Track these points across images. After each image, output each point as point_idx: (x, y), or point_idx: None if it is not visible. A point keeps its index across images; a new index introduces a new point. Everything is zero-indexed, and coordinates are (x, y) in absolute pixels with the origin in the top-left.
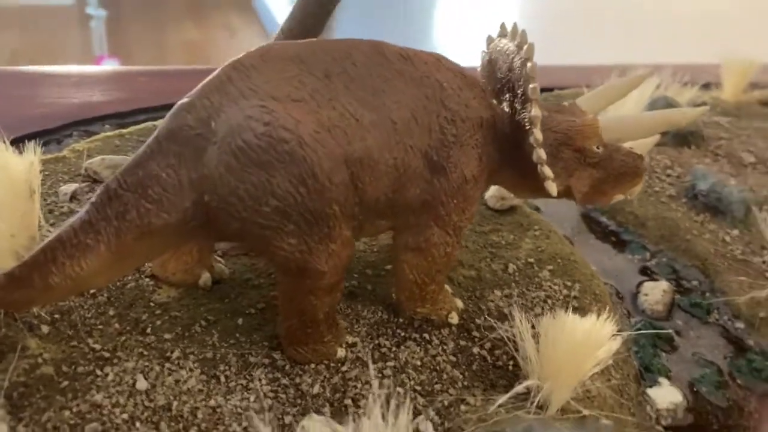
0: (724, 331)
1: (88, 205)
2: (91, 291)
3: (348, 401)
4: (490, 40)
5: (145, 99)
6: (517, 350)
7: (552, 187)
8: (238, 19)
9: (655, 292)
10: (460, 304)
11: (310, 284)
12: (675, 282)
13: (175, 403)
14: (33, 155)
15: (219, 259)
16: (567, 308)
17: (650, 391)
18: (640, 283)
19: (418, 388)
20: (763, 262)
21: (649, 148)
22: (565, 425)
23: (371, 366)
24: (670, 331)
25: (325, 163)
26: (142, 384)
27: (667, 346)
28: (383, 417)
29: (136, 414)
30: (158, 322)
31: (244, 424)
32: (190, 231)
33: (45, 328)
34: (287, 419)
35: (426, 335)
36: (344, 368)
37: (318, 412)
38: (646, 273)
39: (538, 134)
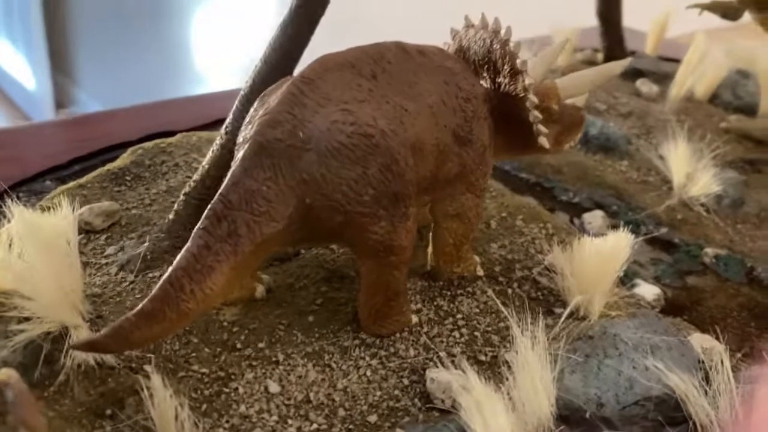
0: (654, 237)
1: (199, 231)
2: None
3: (443, 353)
4: (454, 32)
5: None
6: (538, 282)
7: (545, 141)
8: None
9: (596, 219)
10: (477, 258)
11: (395, 260)
12: (601, 210)
13: (311, 395)
14: (68, 209)
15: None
16: (551, 244)
17: (636, 291)
18: (576, 216)
19: (489, 328)
20: (656, 179)
21: (584, 102)
22: (623, 321)
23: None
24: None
25: (402, 150)
26: (274, 388)
27: None
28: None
29: (283, 413)
30: (242, 337)
31: (378, 393)
32: (291, 234)
33: (148, 368)
34: (405, 381)
35: (469, 289)
36: (424, 330)
37: (424, 368)
38: (577, 208)
39: (533, 98)
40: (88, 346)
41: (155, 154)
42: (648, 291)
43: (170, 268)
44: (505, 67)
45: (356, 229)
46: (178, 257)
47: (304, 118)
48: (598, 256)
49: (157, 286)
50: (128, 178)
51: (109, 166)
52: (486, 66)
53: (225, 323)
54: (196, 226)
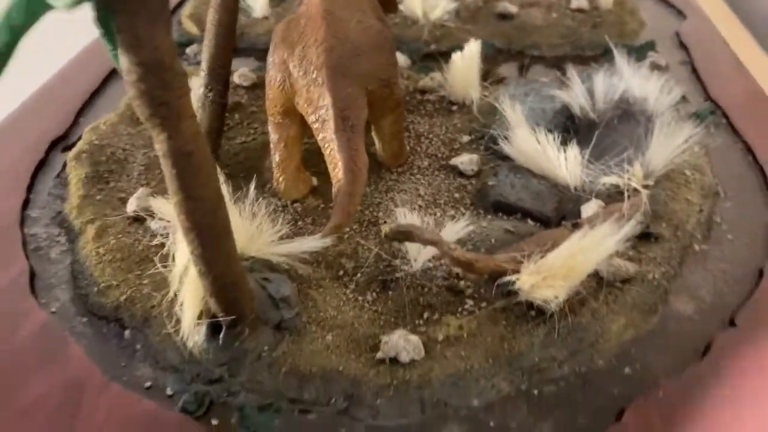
0: (435, 53)
1: (338, 133)
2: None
3: (445, 152)
4: None
5: None
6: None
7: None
8: None
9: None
10: None
11: (402, 109)
12: None
13: (420, 202)
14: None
15: None
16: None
17: None
18: None
19: (446, 131)
20: (402, 19)
21: None
22: (518, 88)
23: None
24: None
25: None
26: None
27: None
28: None
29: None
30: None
31: (446, 182)
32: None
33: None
34: (443, 176)
35: (416, 113)
36: (417, 149)
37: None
38: None
39: None
40: (335, 230)
41: (96, 149)
42: None
43: (339, 163)
44: None
45: (391, 94)
46: (338, 155)
47: (343, 36)
48: (464, 62)
49: (342, 176)
50: (105, 175)
51: (73, 176)
52: None
53: (320, 207)
54: (332, 132)
